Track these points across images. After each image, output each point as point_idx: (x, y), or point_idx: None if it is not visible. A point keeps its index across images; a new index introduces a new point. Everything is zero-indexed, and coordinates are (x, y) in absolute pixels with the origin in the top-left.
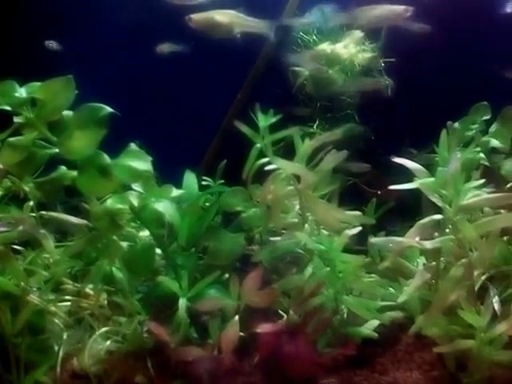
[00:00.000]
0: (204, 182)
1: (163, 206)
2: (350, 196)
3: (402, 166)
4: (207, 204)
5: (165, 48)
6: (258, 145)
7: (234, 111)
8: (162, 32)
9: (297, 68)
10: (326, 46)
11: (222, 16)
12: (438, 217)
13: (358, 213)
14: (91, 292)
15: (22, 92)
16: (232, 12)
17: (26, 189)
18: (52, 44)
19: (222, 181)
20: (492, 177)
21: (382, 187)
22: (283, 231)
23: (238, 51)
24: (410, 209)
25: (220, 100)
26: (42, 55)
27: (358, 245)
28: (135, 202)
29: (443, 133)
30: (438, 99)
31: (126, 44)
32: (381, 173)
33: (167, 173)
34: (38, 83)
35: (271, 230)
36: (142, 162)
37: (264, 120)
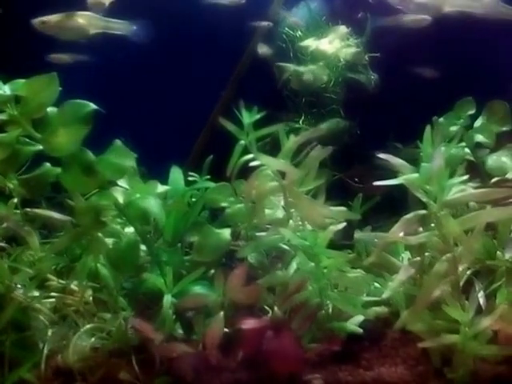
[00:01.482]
0: (190, 178)
1: (148, 203)
2: (336, 191)
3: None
4: (193, 200)
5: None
6: (242, 141)
7: (220, 108)
8: (148, 26)
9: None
10: (311, 42)
11: (77, 18)
12: (422, 212)
13: (343, 208)
14: (76, 289)
15: (5, 89)
16: (88, 13)
17: (11, 186)
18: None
19: (209, 177)
20: (477, 172)
21: (367, 182)
22: (268, 227)
23: (224, 47)
24: (396, 204)
25: (207, 96)
26: (25, 51)
27: (344, 240)
28: (120, 199)
29: (427, 128)
30: (424, 94)
31: (110, 39)
32: (366, 168)
33: (154, 169)
34: (22, 80)
35: (256, 225)
36: (126, 159)
37: (248, 117)
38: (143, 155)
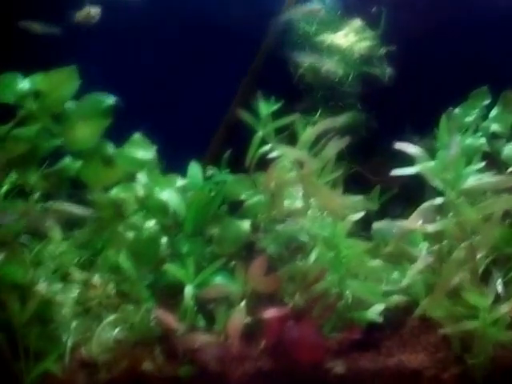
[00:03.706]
0: (209, 172)
1: (168, 195)
2: (353, 184)
3: (404, 153)
4: (212, 193)
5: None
6: (260, 133)
7: (237, 102)
8: (165, 19)
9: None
10: (326, 36)
11: None
12: (439, 200)
13: (361, 198)
14: (98, 282)
15: (24, 84)
16: None
17: (31, 180)
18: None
19: (228, 170)
20: (492, 162)
21: (384, 175)
22: (287, 218)
23: (241, 40)
24: (413, 196)
25: (224, 89)
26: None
27: (361, 231)
28: (140, 192)
29: (443, 117)
30: (439, 85)
31: (129, 32)
32: (383, 160)
33: (171, 163)
34: (41, 74)
35: (275, 217)
36: (145, 152)
37: (265, 108)
38: (161, 149)
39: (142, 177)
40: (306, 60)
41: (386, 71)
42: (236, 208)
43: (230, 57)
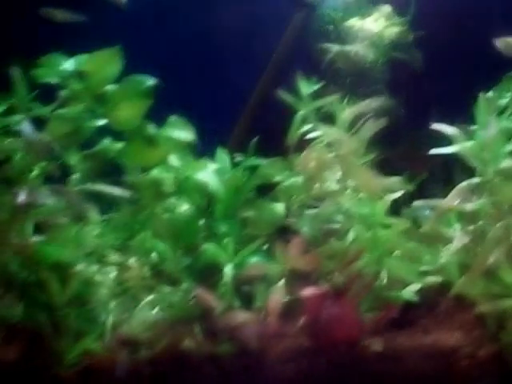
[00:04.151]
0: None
1: (207, 177)
2: (381, 171)
3: (431, 138)
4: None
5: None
6: (302, 112)
7: (261, 88)
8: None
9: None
10: (355, 22)
11: None
12: (476, 180)
13: (398, 178)
14: (135, 263)
15: (69, 64)
16: None
17: (72, 161)
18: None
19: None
20: None
21: (413, 161)
22: (325, 199)
23: (265, 27)
24: (440, 181)
25: (245, 79)
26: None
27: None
28: (180, 173)
29: (481, 99)
30: (468, 72)
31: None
32: (411, 146)
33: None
34: (85, 55)
35: (313, 197)
36: (185, 133)
37: (306, 87)
38: None
39: (176, 159)
40: (335, 46)
41: (416, 57)
42: (265, 191)
43: (253, 43)
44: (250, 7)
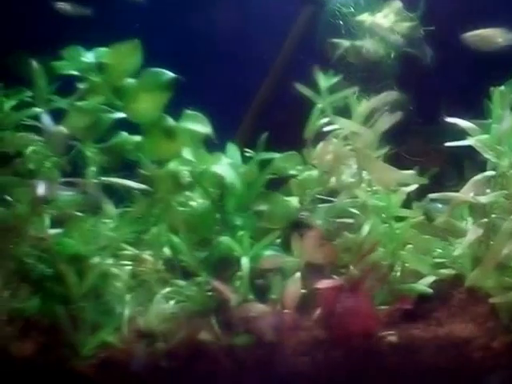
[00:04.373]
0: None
1: (224, 170)
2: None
3: (442, 133)
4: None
5: None
6: (320, 105)
7: (268, 84)
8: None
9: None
10: (366, 17)
11: None
12: (491, 173)
13: (413, 172)
14: (150, 256)
15: (89, 57)
16: None
17: (89, 153)
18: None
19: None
20: None
21: (423, 156)
22: (341, 192)
23: (274, 23)
24: (452, 175)
25: (253, 75)
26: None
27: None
28: (197, 166)
29: (496, 92)
30: (478, 67)
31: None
32: (422, 141)
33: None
34: (105, 48)
35: (329, 190)
36: (202, 126)
37: (325, 81)
38: None
39: (190, 152)
40: (346, 41)
41: (427, 52)
42: (277, 185)
43: (260, 40)
44: (258, 3)
